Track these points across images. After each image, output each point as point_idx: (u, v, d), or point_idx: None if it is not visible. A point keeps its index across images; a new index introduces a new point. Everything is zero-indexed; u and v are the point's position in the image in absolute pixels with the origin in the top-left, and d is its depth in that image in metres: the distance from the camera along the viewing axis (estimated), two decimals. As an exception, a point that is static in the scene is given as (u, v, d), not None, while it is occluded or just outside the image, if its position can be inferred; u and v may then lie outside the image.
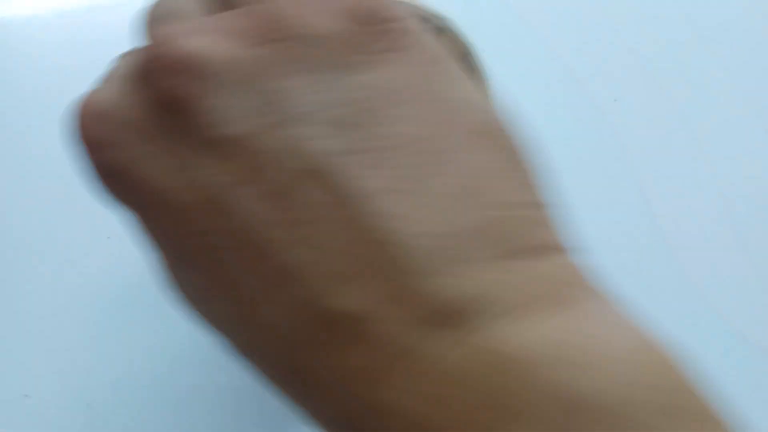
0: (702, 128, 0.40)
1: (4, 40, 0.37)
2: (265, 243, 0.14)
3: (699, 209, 0.38)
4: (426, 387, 0.14)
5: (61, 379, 0.30)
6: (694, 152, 0.39)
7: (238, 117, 0.15)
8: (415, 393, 0.14)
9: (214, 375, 0.31)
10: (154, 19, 0.17)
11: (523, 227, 0.15)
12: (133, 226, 0.17)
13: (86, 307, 0.32)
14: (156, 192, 0.15)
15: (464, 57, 0.33)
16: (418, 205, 0.14)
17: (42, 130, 0.36)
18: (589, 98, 0.40)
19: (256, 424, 0.31)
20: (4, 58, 0.37)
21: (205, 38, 0.15)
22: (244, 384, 0.31)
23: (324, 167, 0.14)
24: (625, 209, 0.37)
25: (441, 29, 0.33)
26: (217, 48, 0.15)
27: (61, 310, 0.32)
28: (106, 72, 0.17)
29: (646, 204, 0.37)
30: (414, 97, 0.15)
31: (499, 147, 0.16)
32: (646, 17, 0.42)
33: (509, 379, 0.13)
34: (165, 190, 0.15)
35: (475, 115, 0.16)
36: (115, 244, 0.33)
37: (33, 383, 0.30)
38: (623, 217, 0.37)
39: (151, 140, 0.15)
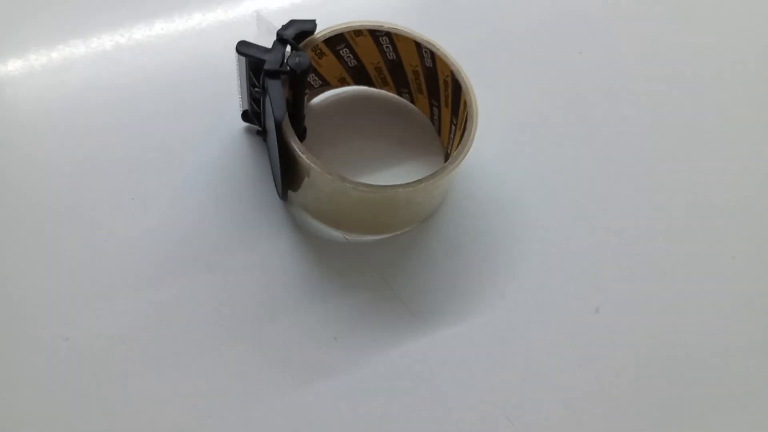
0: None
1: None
2: None
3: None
4: None
5: (98, 321, 0.33)
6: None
7: None
8: None
9: (237, 316, 0.34)
10: None
11: None
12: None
13: (115, 260, 0.35)
14: None
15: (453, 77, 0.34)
16: None
17: (70, 101, 0.38)
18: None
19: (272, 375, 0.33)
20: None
21: None
22: (269, 332, 0.34)
23: None
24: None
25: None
26: None
27: (92, 263, 0.34)
28: None
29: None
30: None
31: None
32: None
33: None
34: None
35: None
36: (138, 204, 0.37)
37: (71, 327, 0.33)
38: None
39: None
